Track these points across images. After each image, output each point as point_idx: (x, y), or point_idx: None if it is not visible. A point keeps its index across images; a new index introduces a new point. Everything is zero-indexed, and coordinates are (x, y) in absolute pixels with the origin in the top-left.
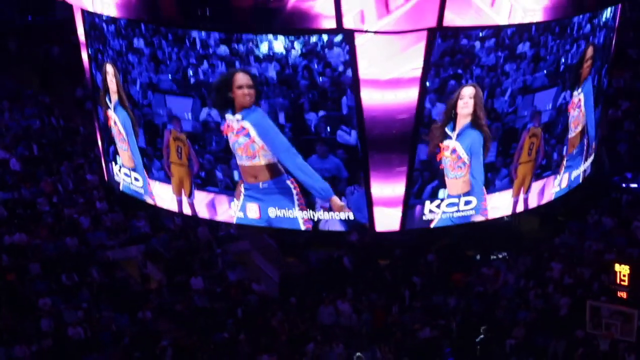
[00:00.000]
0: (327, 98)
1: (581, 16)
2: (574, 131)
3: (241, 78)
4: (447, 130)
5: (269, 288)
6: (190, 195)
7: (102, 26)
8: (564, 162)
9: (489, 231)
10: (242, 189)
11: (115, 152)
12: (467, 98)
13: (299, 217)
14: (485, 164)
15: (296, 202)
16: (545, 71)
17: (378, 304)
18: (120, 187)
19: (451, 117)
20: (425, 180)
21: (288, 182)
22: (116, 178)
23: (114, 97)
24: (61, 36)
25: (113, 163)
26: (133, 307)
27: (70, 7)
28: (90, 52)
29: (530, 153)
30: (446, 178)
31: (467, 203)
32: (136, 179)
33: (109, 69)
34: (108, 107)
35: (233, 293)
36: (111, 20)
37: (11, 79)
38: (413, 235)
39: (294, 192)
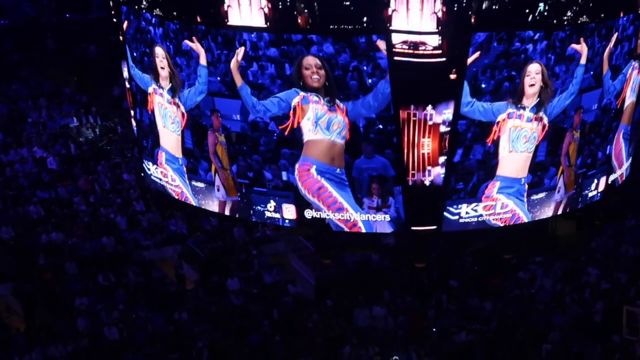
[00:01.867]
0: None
1: (625, 18)
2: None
3: (309, 60)
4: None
5: (305, 290)
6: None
7: (149, 29)
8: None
9: (526, 235)
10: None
11: (154, 147)
12: (533, 74)
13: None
14: (535, 163)
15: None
16: (592, 72)
17: (414, 307)
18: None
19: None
20: (480, 179)
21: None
22: (152, 177)
23: (166, 83)
24: (98, 35)
25: (150, 163)
26: (169, 308)
27: (107, 6)
28: (135, 55)
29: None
30: (508, 153)
31: (503, 207)
32: (173, 179)
33: (159, 51)
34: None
35: (269, 295)
36: (159, 22)
37: (48, 78)
38: (450, 237)
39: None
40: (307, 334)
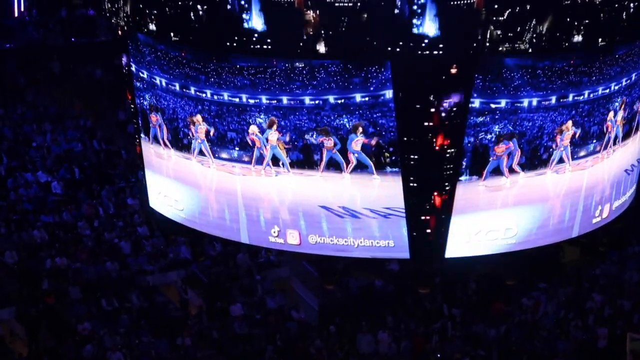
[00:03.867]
0: None
1: None
2: None
3: None
4: None
5: (308, 315)
6: None
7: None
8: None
9: (530, 261)
10: None
11: None
12: None
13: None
14: None
15: None
16: None
17: (417, 332)
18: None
19: None
20: None
21: None
22: (155, 203)
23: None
24: (104, 58)
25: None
26: (172, 333)
27: (114, 30)
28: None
29: None
30: None
31: (507, 230)
32: (176, 201)
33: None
34: None
35: (272, 320)
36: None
37: (54, 101)
38: (453, 263)
39: None
40: (310, 359)
